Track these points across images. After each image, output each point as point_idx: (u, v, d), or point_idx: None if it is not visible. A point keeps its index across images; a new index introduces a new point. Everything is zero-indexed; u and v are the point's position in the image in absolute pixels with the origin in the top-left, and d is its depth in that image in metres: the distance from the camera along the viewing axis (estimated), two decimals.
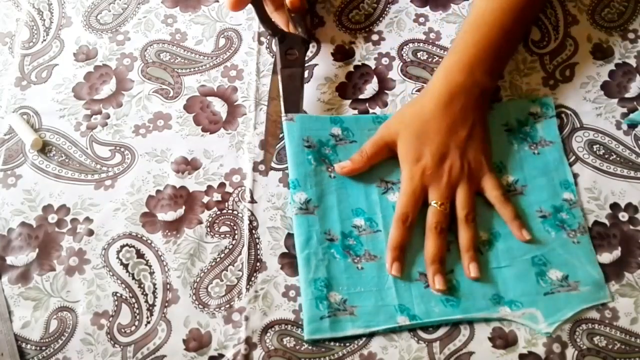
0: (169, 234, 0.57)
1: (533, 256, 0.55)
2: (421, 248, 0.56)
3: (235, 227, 0.57)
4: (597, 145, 0.60)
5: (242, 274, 0.56)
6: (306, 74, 0.64)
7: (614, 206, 0.58)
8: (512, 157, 0.59)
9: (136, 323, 0.54)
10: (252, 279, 0.55)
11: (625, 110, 0.62)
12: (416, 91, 0.63)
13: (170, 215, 0.58)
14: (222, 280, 0.55)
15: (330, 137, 0.60)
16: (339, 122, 0.61)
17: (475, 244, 0.55)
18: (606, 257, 0.56)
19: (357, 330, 0.52)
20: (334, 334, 0.52)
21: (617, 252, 0.56)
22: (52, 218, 0.58)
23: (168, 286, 0.55)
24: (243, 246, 0.57)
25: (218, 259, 0.56)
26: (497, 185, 0.57)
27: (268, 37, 0.66)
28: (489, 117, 0.61)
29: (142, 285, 0.55)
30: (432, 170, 0.56)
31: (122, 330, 0.54)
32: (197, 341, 0.53)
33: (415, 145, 0.57)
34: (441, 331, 0.53)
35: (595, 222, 0.57)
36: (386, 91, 0.64)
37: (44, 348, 0.53)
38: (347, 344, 0.53)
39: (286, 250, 0.56)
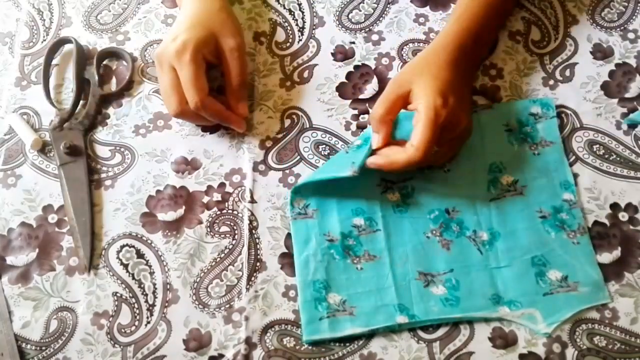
0: (169, 234, 0.57)
1: (533, 256, 0.55)
2: (419, 246, 0.56)
3: (235, 227, 0.57)
4: (597, 145, 0.60)
5: (242, 274, 0.56)
6: (306, 73, 0.64)
7: (614, 206, 0.58)
8: (512, 158, 0.59)
9: (136, 323, 0.54)
10: (252, 279, 0.55)
11: (625, 110, 0.62)
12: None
13: (170, 215, 0.58)
14: (222, 280, 0.55)
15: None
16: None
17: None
18: (606, 257, 0.56)
19: (356, 329, 0.52)
20: (333, 334, 0.52)
21: (617, 252, 0.56)
22: (52, 218, 0.58)
23: (168, 286, 0.55)
24: (243, 246, 0.57)
25: (218, 259, 0.56)
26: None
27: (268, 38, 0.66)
28: (488, 116, 0.61)
29: (142, 285, 0.55)
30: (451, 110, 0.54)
31: (122, 330, 0.54)
32: (197, 341, 0.53)
33: (436, 83, 0.54)
34: (441, 331, 0.53)
35: (595, 222, 0.57)
36: None
37: (44, 348, 0.53)
38: (347, 344, 0.53)
39: (286, 250, 0.56)
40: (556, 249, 0.55)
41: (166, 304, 0.55)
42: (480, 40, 0.61)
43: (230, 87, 0.60)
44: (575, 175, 0.59)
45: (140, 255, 0.56)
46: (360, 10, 0.68)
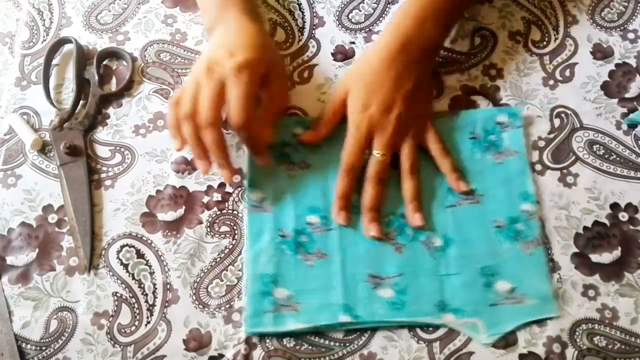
0: (169, 234, 0.57)
1: (483, 266, 0.55)
2: (371, 248, 0.56)
3: (235, 227, 0.57)
4: (597, 145, 0.60)
5: (242, 274, 0.56)
6: (306, 73, 0.64)
7: (614, 206, 0.58)
8: (473, 166, 0.59)
9: (136, 323, 0.54)
10: None
11: (625, 110, 0.62)
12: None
13: (170, 215, 0.58)
14: (222, 280, 0.55)
15: (293, 137, 0.60)
16: (302, 123, 0.61)
17: (418, 194, 0.57)
18: (606, 257, 0.56)
19: (299, 325, 0.53)
20: (276, 328, 0.53)
21: (617, 252, 0.56)
22: (52, 218, 0.58)
23: (168, 286, 0.55)
24: (243, 246, 0.57)
25: (218, 259, 0.56)
26: (439, 139, 0.59)
27: None
28: (454, 123, 0.61)
29: (142, 285, 0.55)
30: (378, 119, 0.57)
31: (122, 330, 0.54)
32: (197, 341, 0.53)
33: (363, 96, 0.58)
34: (441, 331, 0.53)
35: (595, 222, 0.57)
36: None
37: (44, 348, 0.53)
38: (347, 344, 0.53)
39: None
40: (507, 260, 0.55)
41: (166, 304, 0.55)
42: (424, 33, 0.60)
43: (269, 112, 0.58)
44: (575, 175, 0.59)
45: (140, 255, 0.56)
46: (360, 10, 0.68)
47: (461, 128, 0.61)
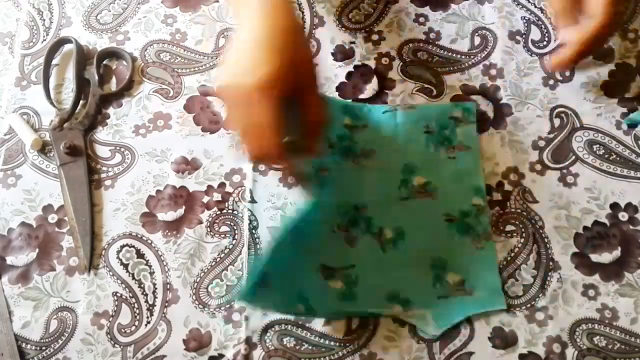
0: (169, 234, 0.57)
1: (433, 258, 0.55)
2: (324, 239, 0.55)
3: (235, 227, 0.57)
4: (597, 145, 0.60)
5: (242, 274, 0.56)
6: None
7: (614, 206, 0.58)
8: (426, 160, 0.59)
9: (136, 323, 0.54)
10: None
11: (625, 110, 0.62)
12: (416, 91, 0.63)
13: (170, 215, 0.58)
14: (222, 280, 0.55)
15: (343, 127, 0.60)
16: (347, 110, 0.61)
17: None
18: (606, 257, 0.56)
19: (268, 308, 0.53)
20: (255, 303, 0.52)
21: (617, 252, 0.56)
22: (52, 218, 0.58)
23: (168, 286, 0.55)
24: (243, 246, 0.57)
25: (218, 259, 0.56)
26: None
27: None
28: (410, 117, 0.61)
29: (142, 285, 0.55)
30: None
31: (122, 330, 0.54)
32: (197, 341, 0.53)
33: None
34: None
35: (595, 222, 0.57)
36: (386, 91, 0.64)
37: (44, 348, 0.53)
38: (347, 344, 0.53)
39: None
40: (457, 253, 0.55)
41: (166, 304, 0.55)
42: None
43: (309, 123, 0.50)
44: (575, 175, 0.59)
45: (140, 255, 0.56)
46: (360, 10, 0.68)
47: (417, 122, 0.61)
